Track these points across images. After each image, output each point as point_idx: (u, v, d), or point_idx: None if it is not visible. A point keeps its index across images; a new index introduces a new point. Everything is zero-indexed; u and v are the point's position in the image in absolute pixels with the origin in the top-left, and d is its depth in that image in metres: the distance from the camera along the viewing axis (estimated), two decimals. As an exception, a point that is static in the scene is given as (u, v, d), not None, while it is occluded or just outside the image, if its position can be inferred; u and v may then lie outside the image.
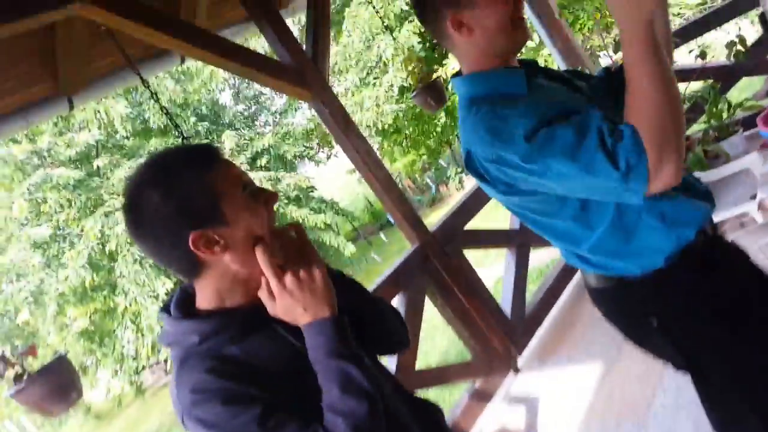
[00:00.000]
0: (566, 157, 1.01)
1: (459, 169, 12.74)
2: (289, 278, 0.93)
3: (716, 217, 1.35)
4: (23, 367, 2.35)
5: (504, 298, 3.49)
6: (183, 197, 0.92)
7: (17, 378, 2.31)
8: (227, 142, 11.48)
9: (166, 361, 12.11)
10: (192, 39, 2.57)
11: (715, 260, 1.22)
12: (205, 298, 0.98)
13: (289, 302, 0.93)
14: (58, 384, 2.33)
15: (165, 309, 1.02)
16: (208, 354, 0.92)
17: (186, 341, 0.94)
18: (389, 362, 2.88)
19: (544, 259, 5.35)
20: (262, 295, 0.96)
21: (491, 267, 6.46)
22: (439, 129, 12.28)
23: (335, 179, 18.40)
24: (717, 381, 1.24)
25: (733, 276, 1.25)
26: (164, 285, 10.92)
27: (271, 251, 0.95)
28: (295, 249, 1.01)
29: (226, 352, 0.93)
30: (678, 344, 1.23)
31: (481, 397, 3.21)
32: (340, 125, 3.12)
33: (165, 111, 3.87)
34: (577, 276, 3.80)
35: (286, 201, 11.34)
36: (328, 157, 14.84)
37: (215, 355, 0.92)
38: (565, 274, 3.78)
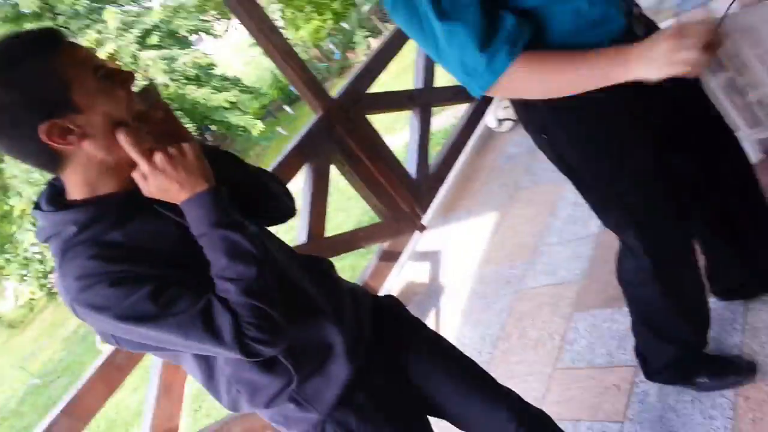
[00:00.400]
0: (433, 49, 1.12)
1: (366, 33, 12.30)
2: (158, 157, 0.91)
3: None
4: None
5: (409, 159, 3.56)
6: (27, 87, 0.86)
7: None
8: (111, 21, 10.46)
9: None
10: None
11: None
12: (75, 190, 0.95)
13: (163, 181, 0.91)
14: None
15: (37, 206, 0.98)
16: (90, 242, 0.91)
17: (64, 233, 0.92)
18: (301, 231, 2.94)
19: (450, 120, 5.44)
20: (136, 177, 0.93)
21: (402, 133, 6.53)
22: (342, -11, 11.69)
23: (239, 54, 17.42)
24: (591, 189, 1.39)
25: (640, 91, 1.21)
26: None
27: (137, 134, 0.91)
28: (164, 130, 0.98)
29: (108, 239, 0.91)
30: (560, 158, 1.35)
31: (389, 257, 3.36)
32: (229, -11, 2.91)
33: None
34: (477, 132, 3.92)
35: (184, 80, 10.71)
36: (226, 30, 13.90)
37: (97, 242, 0.91)
38: (466, 132, 3.88)
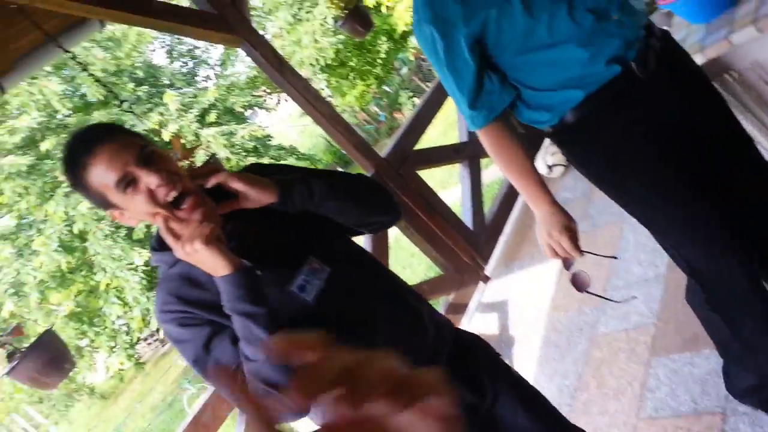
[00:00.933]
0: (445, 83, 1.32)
1: (410, 94, 12.59)
2: (180, 252, 0.99)
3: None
4: (13, 345, 2.39)
5: (464, 211, 3.57)
6: (82, 193, 1.06)
7: (10, 356, 2.35)
8: (171, 104, 11.13)
9: (158, 330, 12.24)
10: (105, 1, 2.50)
11: (630, 99, 1.28)
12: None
13: (192, 263, 1.00)
14: (49, 357, 2.38)
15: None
16: (176, 276, 1.09)
17: (160, 268, 1.13)
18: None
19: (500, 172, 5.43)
20: None
21: (456, 187, 6.56)
22: (383, 54, 12.05)
23: (293, 125, 18.10)
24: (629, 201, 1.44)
25: (655, 108, 1.29)
26: (140, 255, 10.90)
27: (168, 221, 1.00)
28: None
29: (193, 274, 1.07)
30: (590, 179, 1.45)
31: (456, 309, 3.34)
32: (274, 65, 3.08)
33: (97, 79, 3.74)
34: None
35: (244, 153, 11.21)
36: (278, 103, 14.53)
37: (181, 275, 1.09)
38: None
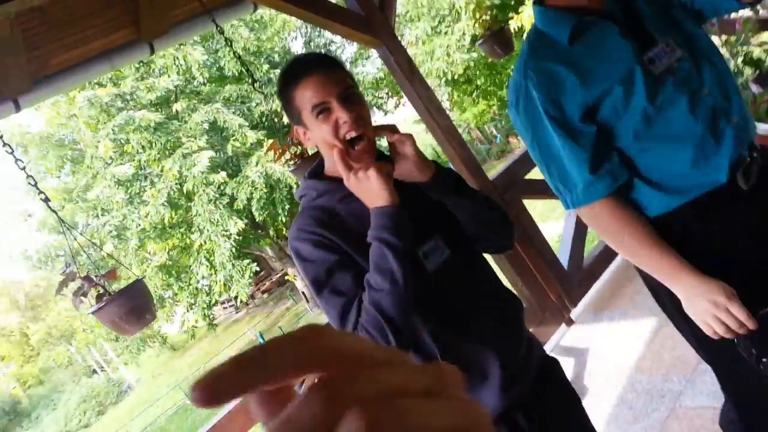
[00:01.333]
0: (537, 153, 1.24)
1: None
2: (351, 177, 1.10)
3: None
4: (104, 287, 2.54)
5: (562, 249, 3.46)
6: (283, 102, 1.20)
7: (99, 297, 2.51)
8: (299, 91, 11.66)
9: (236, 297, 12.76)
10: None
11: (728, 212, 1.19)
12: (328, 166, 1.26)
13: (356, 191, 1.11)
14: (133, 305, 2.49)
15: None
16: (319, 207, 1.20)
17: (309, 195, 1.23)
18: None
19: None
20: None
21: (557, 222, 6.38)
22: (512, 79, 11.91)
23: (403, 130, 18.43)
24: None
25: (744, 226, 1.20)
26: (236, 225, 11.43)
27: (344, 154, 1.10)
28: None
29: (333, 207, 1.19)
30: (654, 296, 1.38)
31: (532, 345, 3.24)
32: (405, 72, 3.16)
33: (238, 57, 3.97)
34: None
35: (353, 148, 11.57)
36: (396, 106, 14.81)
37: (324, 207, 1.19)
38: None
